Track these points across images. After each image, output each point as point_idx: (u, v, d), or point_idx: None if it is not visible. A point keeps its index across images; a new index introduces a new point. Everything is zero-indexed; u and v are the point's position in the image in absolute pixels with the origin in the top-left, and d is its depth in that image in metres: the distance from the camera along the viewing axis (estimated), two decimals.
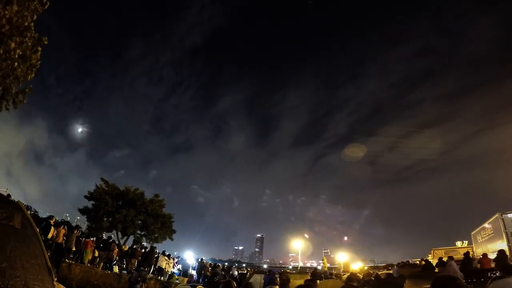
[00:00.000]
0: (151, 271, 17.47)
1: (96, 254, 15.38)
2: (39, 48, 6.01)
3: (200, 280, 18.37)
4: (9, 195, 12.60)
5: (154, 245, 20.41)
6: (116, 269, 15.38)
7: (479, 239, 20.20)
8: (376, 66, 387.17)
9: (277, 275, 13.50)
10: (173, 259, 21.47)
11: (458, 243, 27.18)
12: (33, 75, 6.06)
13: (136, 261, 16.78)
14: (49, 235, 12.92)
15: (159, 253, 18.57)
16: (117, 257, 17.14)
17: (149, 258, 17.00)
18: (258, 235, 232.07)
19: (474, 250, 20.44)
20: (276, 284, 12.12)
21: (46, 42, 6.09)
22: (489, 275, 10.27)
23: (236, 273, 21.61)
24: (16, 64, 5.44)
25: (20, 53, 5.51)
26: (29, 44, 5.66)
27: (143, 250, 18.48)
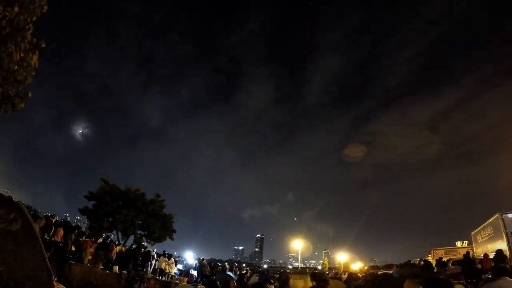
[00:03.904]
0: (150, 271, 17.48)
1: (100, 254, 15.42)
2: (37, 52, 5.99)
3: (199, 279, 18.39)
4: (10, 197, 12.60)
5: (155, 245, 20.45)
6: (116, 269, 15.37)
7: (479, 239, 20.20)
8: None
9: (276, 275, 13.65)
10: (174, 260, 21.49)
11: (458, 243, 27.20)
12: (30, 80, 6.04)
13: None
14: (51, 233, 12.97)
15: (160, 254, 18.61)
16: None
17: (138, 258, 17.01)
18: (258, 235, 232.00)
19: (474, 250, 20.46)
20: (271, 283, 12.28)
21: (43, 45, 6.10)
22: (482, 276, 10.28)
23: (237, 272, 21.67)
24: (16, 67, 5.45)
25: (22, 54, 5.52)
26: (28, 47, 5.67)
27: (133, 249, 18.50)
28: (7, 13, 4.94)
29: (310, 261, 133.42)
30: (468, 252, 13.81)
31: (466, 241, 26.11)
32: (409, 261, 27.48)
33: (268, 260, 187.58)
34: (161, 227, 22.56)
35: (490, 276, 5.08)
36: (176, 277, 19.49)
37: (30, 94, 6.17)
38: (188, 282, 17.52)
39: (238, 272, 22.58)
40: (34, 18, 5.65)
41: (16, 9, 5.04)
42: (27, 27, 5.50)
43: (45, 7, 5.78)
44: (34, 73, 6.04)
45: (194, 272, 20.52)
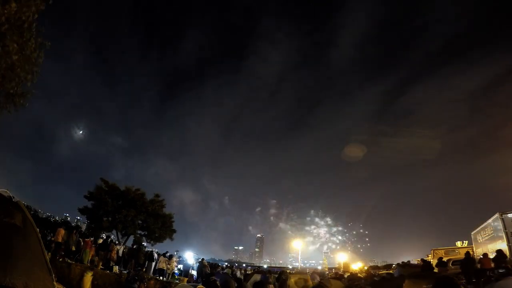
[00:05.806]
0: (151, 271, 17.46)
1: (101, 254, 15.43)
2: (41, 54, 5.95)
3: (199, 279, 18.37)
4: (10, 196, 12.59)
5: (156, 245, 20.41)
6: (116, 269, 15.36)
7: (479, 239, 20.19)
8: None
9: (275, 275, 13.71)
10: (175, 260, 21.46)
11: (458, 243, 27.20)
12: (35, 80, 6.00)
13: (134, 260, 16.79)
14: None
15: (160, 254, 18.60)
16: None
17: (141, 258, 16.98)
18: (258, 235, 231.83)
19: (474, 250, 20.43)
20: (270, 283, 12.31)
21: (49, 47, 6.08)
22: (488, 274, 10.25)
23: (238, 273, 21.68)
24: (15, 58, 5.41)
25: (19, 51, 5.48)
26: (32, 46, 5.64)
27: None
28: (5, 10, 4.91)
29: (311, 261, 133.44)
30: (468, 252, 13.80)
31: (466, 241, 26.11)
32: (409, 261, 27.48)
33: (268, 260, 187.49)
34: (161, 227, 22.55)
35: (496, 275, 5.05)
36: (176, 277, 19.47)
37: (30, 94, 6.13)
38: (188, 282, 17.52)
39: (241, 273, 22.59)
40: (36, 16, 5.61)
41: (13, 5, 5.00)
42: (26, 24, 5.46)
43: (50, 1, 5.73)
44: (39, 67, 6.01)
45: (194, 272, 20.51)
